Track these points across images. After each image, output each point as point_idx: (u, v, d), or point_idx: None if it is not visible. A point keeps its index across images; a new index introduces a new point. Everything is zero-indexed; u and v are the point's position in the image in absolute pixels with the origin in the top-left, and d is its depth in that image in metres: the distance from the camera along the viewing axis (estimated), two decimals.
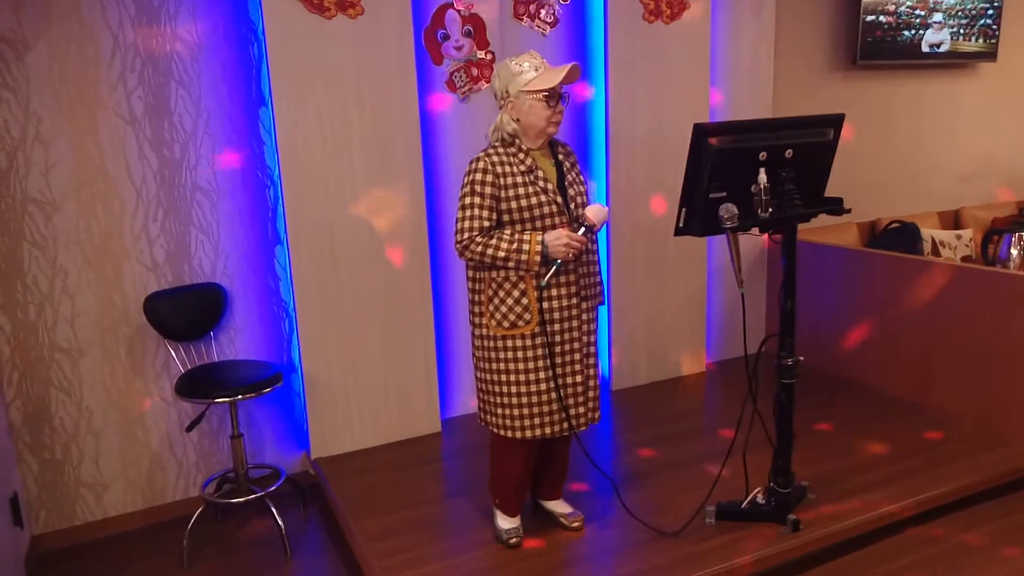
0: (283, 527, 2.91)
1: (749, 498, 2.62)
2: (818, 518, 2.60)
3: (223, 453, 3.24)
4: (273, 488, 2.98)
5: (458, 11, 3.28)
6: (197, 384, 2.81)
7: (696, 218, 2.25)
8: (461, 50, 3.32)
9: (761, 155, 2.26)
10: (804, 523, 2.55)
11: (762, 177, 2.24)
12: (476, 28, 3.33)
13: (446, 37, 3.29)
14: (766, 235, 2.48)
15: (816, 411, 3.48)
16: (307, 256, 3.11)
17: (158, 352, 3.08)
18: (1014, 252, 3.38)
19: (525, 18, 3.45)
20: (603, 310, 3.85)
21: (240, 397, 2.77)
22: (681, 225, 2.28)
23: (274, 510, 2.93)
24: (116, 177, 2.92)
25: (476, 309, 2.43)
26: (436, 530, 2.68)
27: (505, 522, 2.57)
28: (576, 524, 2.61)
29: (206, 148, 3.05)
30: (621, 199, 3.72)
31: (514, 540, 2.53)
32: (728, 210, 2.18)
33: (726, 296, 4.17)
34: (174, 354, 3.05)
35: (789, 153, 2.31)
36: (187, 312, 3.01)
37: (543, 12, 3.48)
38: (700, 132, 2.19)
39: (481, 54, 3.35)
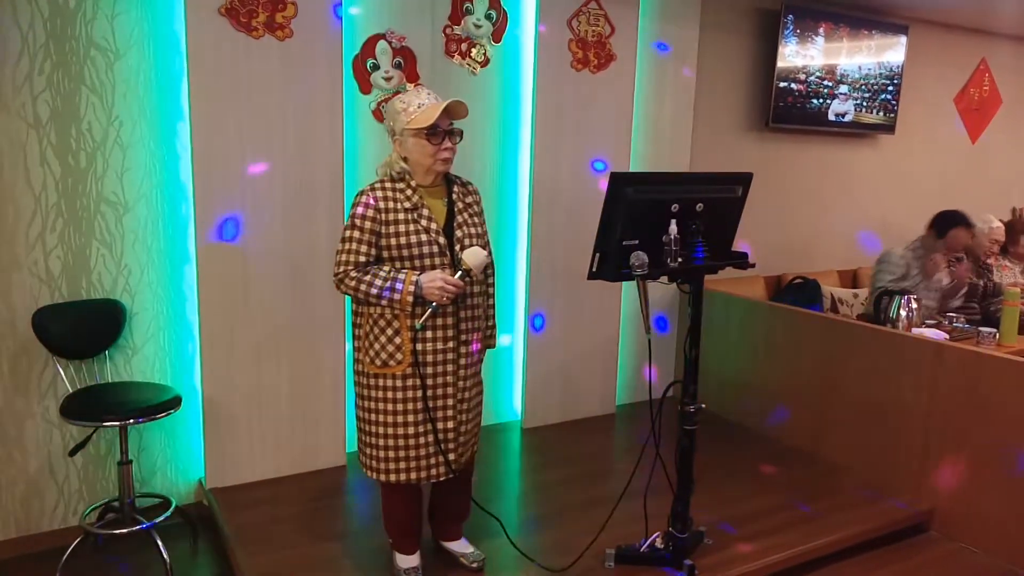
0: (168, 561, 2.76)
1: (648, 542, 2.65)
2: (713, 564, 2.65)
3: (110, 480, 3.06)
4: (161, 519, 2.83)
5: (389, 42, 3.30)
6: (85, 405, 2.66)
7: (609, 264, 2.30)
8: (390, 81, 3.33)
9: (673, 207, 2.34)
10: (699, 568, 2.60)
11: (673, 228, 2.31)
12: (406, 60, 3.35)
13: (375, 67, 3.29)
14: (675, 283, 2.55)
15: (717, 458, 3.57)
16: (216, 277, 3.01)
17: (46, 369, 2.90)
18: (903, 313, 3.60)
19: (456, 55, 3.49)
20: (518, 349, 3.88)
21: (131, 422, 2.64)
22: (594, 269, 2.33)
23: (160, 542, 2.77)
24: (13, 182, 2.76)
25: (355, 343, 2.39)
26: (333, 568, 2.59)
27: (402, 561, 2.51)
28: (476, 565, 2.58)
29: (115, 159, 2.93)
30: (541, 241, 3.77)
31: None
32: (639, 258, 2.24)
33: (638, 341, 4.27)
34: (63, 372, 2.88)
35: (700, 207, 2.40)
36: (80, 329, 2.85)
37: (474, 51, 3.54)
38: (616, 180, 2.25)
39: (410, 87, 3.37)
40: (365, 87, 3.30)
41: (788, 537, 2.85)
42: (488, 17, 3.53)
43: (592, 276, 2.34)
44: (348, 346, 3.35)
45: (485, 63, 3.58)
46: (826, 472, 3.47)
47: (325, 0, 3.06)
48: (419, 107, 2.27)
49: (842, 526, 2.96)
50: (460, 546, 2.63)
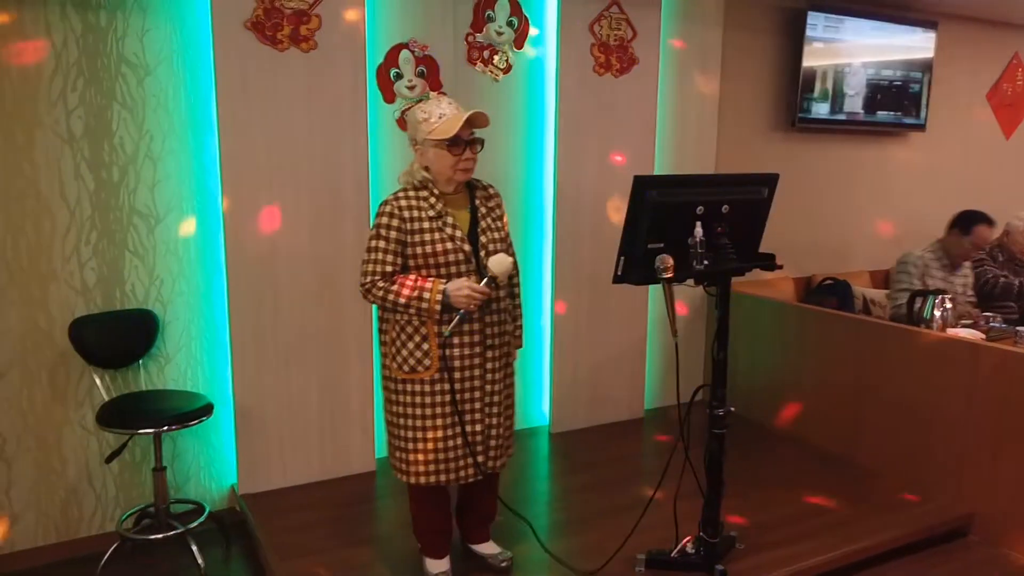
0: (203, 566, 2.80)
1: (679, 547, 2.63)
2: (745, 569, 2.62)
3: (145, 486, 3.11)
4: (195, 524, 2.87)
5: (412, 51, 3.33)
6: (121, 414, 2.72)
7: (634, 267, 2.29)
8: (413, 90, 3.36)
9: (698, 209, 2.32)
10: (731, 574, 2.57)
11: (698, 230, 2.30)
12: (429, 69, 3.37)
13: (399, 76, 3.32)
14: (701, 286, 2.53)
15: (747, 462, 3.53)
16: (246, 286, 3.06)
17: (82, 378, 2.96)
18: (937, 313, 3.52)
19: (479, 63, 3.51)
20: (545, 354, 3.88)
21: (165, 429, 2.68)
22: (619, 273, 2.32)
23: (195, 548, 2.82)
24: (49, 196, 2.84)
25: (383, 350, 2.42)
26: (364, 573, 2.61)
27: (432, 566, 2.52)
28: (505, 564, 2.58)
29: (147, 172, 2.99)
30: (566, 246, 3.77)
31: None
32: (664, 261, 2.23)
33: (665, 344, 4.24)
34: (99, 381, 2.94)
35: (725, 208, 2.38)
36: (115, 338, 2.91)
37: (496, 58, 3.55)
38: (640, 184, 2.25)
39: (433, 95, 3.39)
40: (389, 96, 3.33)
41: (822, 542, 2.81)
42: (510, 24, 3.55)
43: (617, 280, 2.33)
44: (375, 352, 3.37)
45: (508, 70, 3.59)
46: (859, 476, 3.41)
47: (348, 12, 3.10)
48: (440, 117, 2.29)
49: (878, 531, 2.90)
50: (488, 547, 2.64)
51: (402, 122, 3.35)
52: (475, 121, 2.29)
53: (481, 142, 2.35)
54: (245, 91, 2.96)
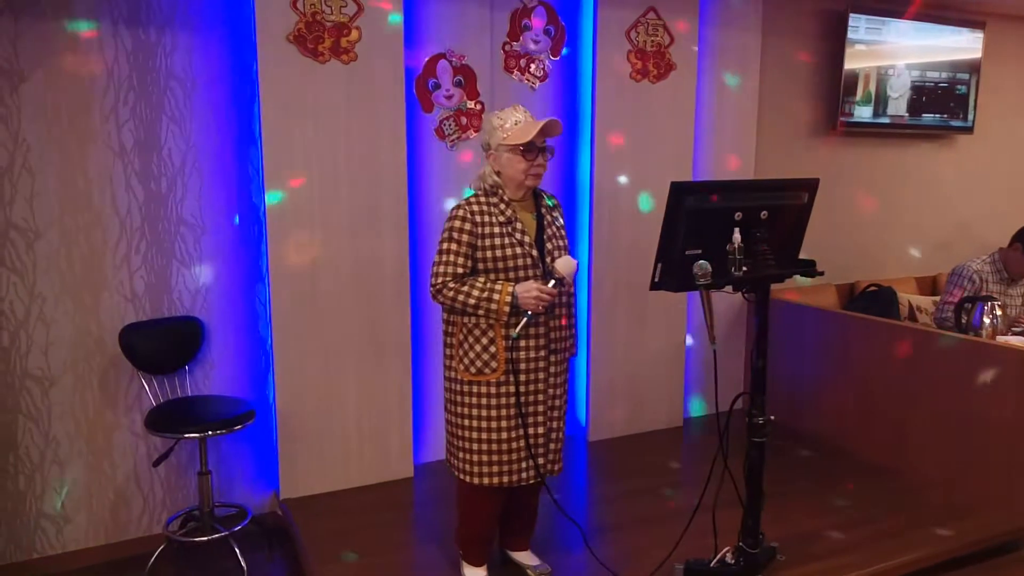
0: (246, 569, 2.86)
1: (718, 557, 2.59)
2: None
3: (190, 489, 3.19)
4: (238, 528, 2.93)
5: (450, 61, 3.37)
6: (168, 418, 2.79)
7: (671, 274, 2.28)
8: (451, 99, 3.39)
9: (737, 215, 2.30)
10: None
11: (737, 237, 2.28)
12: (467, 79, 3.41)
13: (437, 86, 3.37)
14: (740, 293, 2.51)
15: (788, 471, 3.47)
16: (287, 294, 3.12)
17: (131, 384, 3.05)
18: (986, 321, 3.43)
19: (515, 71, 3.54)
20: (582, 361, 3.87)
21: (210, 433, 2.75)
22: (656, 280, 2.31)
23: (238, 551, 2.88)
24: (101, 207, 2.94)
25: (448, 352, 2.45)
26: None
27: (471, 573, 2.54)
28: None
29: (193, 183, 3.08)
30: (603, 252, 3.76)
31: None
32: (702, 267, 2.22)
33: (704, 351, 4.19)
34: (147, 387, 3.03)
35: (764, 214, 2.36)
36: (163, 345, 2.99)
37: (533, 66, 3.57)
38: (677, 190, 2.23)
39: (471, 104, 3.42)
40: (427, 106, 3.37)
41: (867, 554, 2.75)
42: (546, 33, 3.57)
43: (654, 287, 2.32)
44: (414, 360, 3.41)
45: (544, 78, 3.61)
46: (904, 487, 3.33)
47: (387, 24, 3.15)
48: (515, 124, 2.36)
49: (924, 544, 2.83)
50: (527, 557, 2.64)
51: (440, 131, 3.39)
52: (549, 130, 2.35)
53: (552, 150, 2.42)
54: (287, 103, 3.03)
